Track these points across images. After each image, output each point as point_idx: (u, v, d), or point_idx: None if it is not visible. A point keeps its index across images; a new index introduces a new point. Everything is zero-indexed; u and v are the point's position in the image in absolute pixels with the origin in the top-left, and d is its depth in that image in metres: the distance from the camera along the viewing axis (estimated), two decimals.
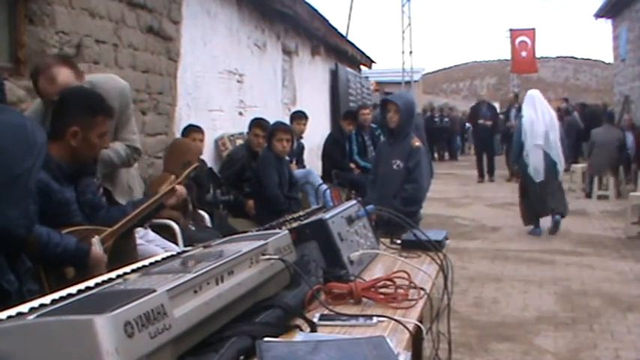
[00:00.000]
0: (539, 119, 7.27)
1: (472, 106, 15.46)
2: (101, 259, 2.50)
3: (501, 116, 15.98)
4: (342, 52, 13.33)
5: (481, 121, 13.33)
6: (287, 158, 5.52)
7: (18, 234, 1.67)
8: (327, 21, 10.88)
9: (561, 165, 7.41)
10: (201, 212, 4.77)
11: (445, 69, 67.08)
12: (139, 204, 2.80)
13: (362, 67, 16.64)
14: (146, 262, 1.73)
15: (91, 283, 1.48)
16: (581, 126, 15.05)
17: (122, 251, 2.86)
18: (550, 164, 7.30)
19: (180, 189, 2.95)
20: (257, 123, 5.85)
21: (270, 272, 1.76)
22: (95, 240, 2.51)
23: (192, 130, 5.27)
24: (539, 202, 7.40)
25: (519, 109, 13.26)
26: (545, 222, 7.67)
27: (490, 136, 13.66)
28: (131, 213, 2.72)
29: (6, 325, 1.16)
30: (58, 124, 2.58)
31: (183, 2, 5.77)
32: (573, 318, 4.60)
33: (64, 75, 2.82)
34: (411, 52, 19.91)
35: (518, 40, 23.40)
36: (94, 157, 2.71)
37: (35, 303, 1.31)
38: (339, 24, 37.58)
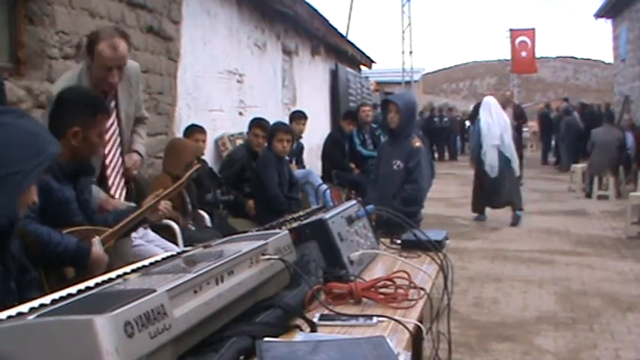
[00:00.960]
0: (494, 123, 8.19)
1: (474, 105, 15.32)
2: (102, 259, 2.50)
3: None
4: (342, 52, 13.33)
5: None
6: (287, 158, 5.52)
7: None
8: (327, 21, 10.88)
9: (515, 162, 8.38)
10: (201, 212, 4.77)
11: (445, 69, 67.17)
12: (121, 216, 2.78)
13: (362, 67, 16.65)
14: (146, 262, 1.73)
15: (91, 283, 1.48)
16: (580, 126, 15.05)
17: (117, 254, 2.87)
18: (504, 162, 8.19)
19: (164, 205, 2.93)
20: (257, 123, 5.85)
21: (270, 272, 1.76)
22: (96, 240, 2.52)
23: (194, 130, 5.25)
24: (495, 194, 8.33)
25: (518, 108, 12.94)
26: (503, 216, 8.66)
27: None
28: (127, 217, 2.72)
29: (6, 325, 1.16)
30: (59, 124, 2.59)
31: (183, 2, 5.77)
32: (573, 318, 4.60)
33: (123, 47, 3.01)
34: (411, 52, 19.94)
35: (518, 40, 23.44)
36: (93, 156, 2.72)
37: (35, 303, 1.31)
38: (339, 24, 37.56)
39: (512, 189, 8.38)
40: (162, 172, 4.72)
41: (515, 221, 8.40)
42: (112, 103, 3.13)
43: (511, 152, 8.25)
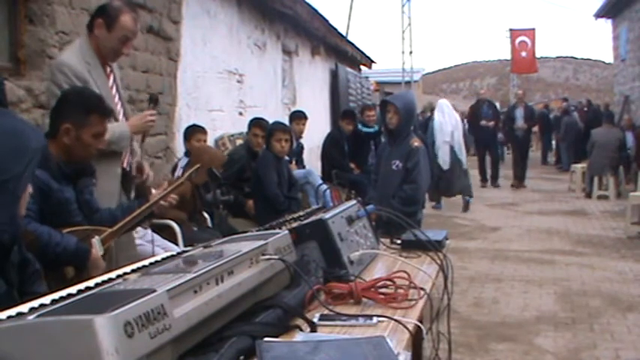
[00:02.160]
0: (446, 122, 9.17)
1: (472, 105, 14.37)
2: (101, 261, 2.50)
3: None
4: (342, 52, 13.33)
5: (483, 122, 12.02)
6: (286, 158, 5.51)
7: (1, 239, 1.64)
8: (327, 21, 10.88)
9: (463, 156, 9.32)
10: (202, 212, 4.77)
11: (445, 69, 67.16)
12: (129, 209, 2.78)
13: (362, 67, 16.64)
14: (146, 262, 1.73)
15: (91, 283, 1.48)
16: (580, 126, 15.02)
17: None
18: (454, 156, 9.11)
19: (171, 197, 2.93)
20: (256, 123, 5.84)
21: (270, 272, 1.76)
22: (95, 241, 2.51)
23: (195, 130, 5.24)
24: (448, 185, 9.26)
25: (528, 109, 12.48)
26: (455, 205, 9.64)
27: (493, 137, 12.47)
28: (129, 216, 2.71)
29: (6, 325, 1.16)
30: (54, 121, 2.58)
31: (183, 2, 5.77)
32: (573, 318, 4.60)
33: (137, 22, 3.15)
34: (411, 52, 19.87)
35: (518, 40, 23.42)
36: (88, 158, 2.67)
37: (35, 303, 1.31)
38: (339, 24, 37.56)
39: (462, 180, 9.35)
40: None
41: (465, 206, 9.58)
42: (112, 78, 3.17)
43: (460, 147, 9.23)
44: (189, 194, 4.24)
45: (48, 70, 3.88)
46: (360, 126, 8.28)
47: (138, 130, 3.12)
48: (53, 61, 3.49)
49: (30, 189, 1.73)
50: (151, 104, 3.23)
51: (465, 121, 13.28)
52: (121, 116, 3.17)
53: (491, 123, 12.03)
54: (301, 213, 2.60)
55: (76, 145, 2.55)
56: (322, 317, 1.71)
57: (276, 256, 1.79)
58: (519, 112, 12.29)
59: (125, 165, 3.18)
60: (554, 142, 18.51)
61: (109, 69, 3.16)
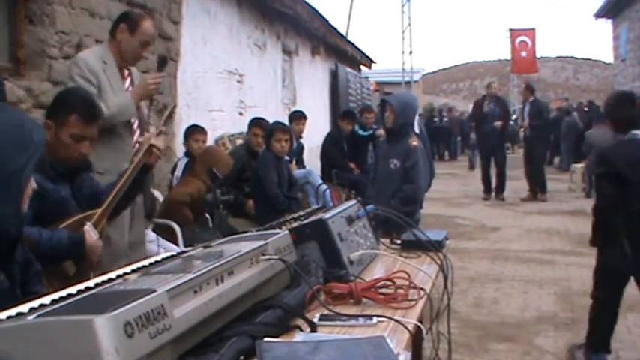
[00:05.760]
0: None
1: (475, 100, 11.89)
2: (96, 245, 2.48)
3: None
4: (342, 52, 13.33)
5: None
6: (286, 158, 5.51)
7: (8, 232, 1.66)
8: (327, 21, 10.88)
9: None
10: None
11: (445, 69, 67.26)
12: (121, 175, 2.76)
13: (362, 67, 16.64)
14: (146, 262, 1.73)
15: (91, 283, 1.48)
16: (580, 126, 15.01)
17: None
18: None
19: (156, 149, 2.82)
20: (256, 123, 5.84)
21: (270, 272, 1.76)
22: (87, 227, 2.49)
23: (195, 130, 5.24)
24: None
25: (536, 104, 10.69)
26: None
27: (499, 141, 10.57)
28: (116, 184, 2.68)
29: (6, 325, 1.16)
30: (47, 116, 2.59)
31: (183, 2, 5.77)
32: (573, 318, 4.60)
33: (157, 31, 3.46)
34: (411, 52, 19.89)
35: (518, 40, 23.47)
36: (71, 159, 2.58)
37: (35, 303, 1.31)
38: (339, 24, 37.54)
39: None
40: (187, 175, 4.81)
41: None
42: (128, 80, 3.31)
43: None
44: (204, 193, 4.38)
45: (48, 71, 3.90)
46: (357, 128, 8.29)
47: (142, 97, 3.24)
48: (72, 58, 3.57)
49: (34, 184, 1.75)
50: (160, 67, 3.32)
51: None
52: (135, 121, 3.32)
53: (497, 124, 10.31)
54: (301, 213, 2.60)
55: (55, 144, 2.50)
56: (322, 317, 1.71)
57: (276, 256, 1.79)
58: (525, 108, 10.66)
59: (136, 139, 3.27)
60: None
61: (127, 71, 3.31)
